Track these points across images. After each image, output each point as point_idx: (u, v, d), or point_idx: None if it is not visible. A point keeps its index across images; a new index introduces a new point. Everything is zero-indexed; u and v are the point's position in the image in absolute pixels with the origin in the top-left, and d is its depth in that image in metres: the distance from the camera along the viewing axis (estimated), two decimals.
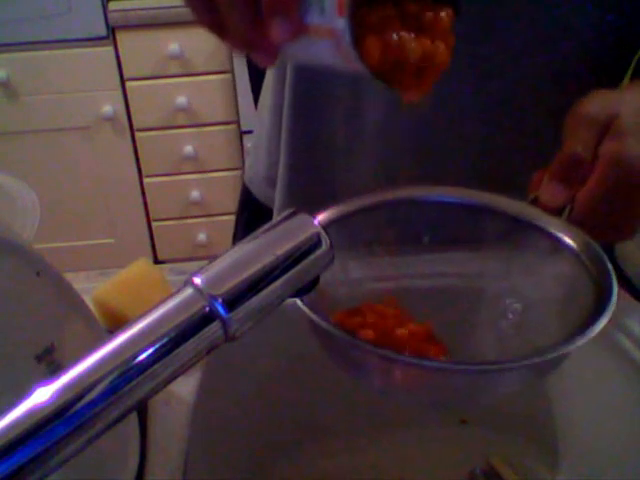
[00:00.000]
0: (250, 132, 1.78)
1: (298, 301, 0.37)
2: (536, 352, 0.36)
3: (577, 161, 0.44)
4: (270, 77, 0.72)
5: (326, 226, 0.42)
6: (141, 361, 0.25)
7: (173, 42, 1.86)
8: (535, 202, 0.45)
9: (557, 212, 0.45)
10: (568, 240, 0.42)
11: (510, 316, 0.45)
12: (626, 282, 0.72)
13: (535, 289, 0.44)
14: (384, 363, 0.39)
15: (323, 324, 0.37)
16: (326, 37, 0.37)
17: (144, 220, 2.09)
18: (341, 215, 0.44)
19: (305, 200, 0.68)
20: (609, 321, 0.53)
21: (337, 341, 0.38)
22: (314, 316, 0.37)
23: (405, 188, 0.47)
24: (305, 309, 0.38)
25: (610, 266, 0.40)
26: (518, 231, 0.45)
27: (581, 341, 0.35)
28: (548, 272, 0.44)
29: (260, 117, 0.75)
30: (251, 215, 0.80)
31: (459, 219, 0.46)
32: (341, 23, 0.36)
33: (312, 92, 0.65)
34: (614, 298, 0.37)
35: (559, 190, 0.44)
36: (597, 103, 0.46)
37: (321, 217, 0.43)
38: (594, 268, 0.40)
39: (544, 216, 0.44)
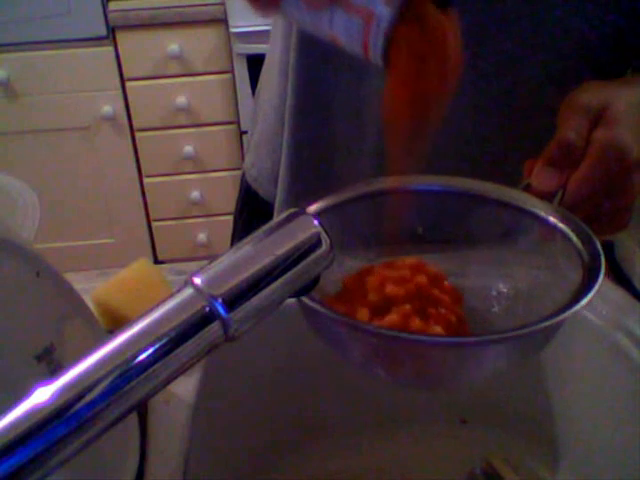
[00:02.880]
0: None
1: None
2: (519, 327, 0.36)
3: (569, 147, 0.44)
4: (269, 76, 0.72)
5: (319, 215, 0.42)
6: (141, 361, 0.25)
7: (173, 42, 1.86)
8: (528, 188, 0.46)
9: (549, 197, 0.45)
10: (559, 223, 0.43)
11: (503, 302, 0.45)
12: (626, 282, 0.72)
13: (528, 274, 0.44)
14: (358, 335, 0.38)
15: (308, 301, 0.37)
16: (355, 16, 0.36)
17: (144, 220, 2.09)
18: (334, 204, 0.44)
19: (306, 199, 0.68)
20: (609, 321, 0.54)
21: (320, 316, 0.38)
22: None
23: (397, 178, 0.47)
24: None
25: (600, 248, 0.40)
26: (510, 217, 0.45)
27: (563, 316, 0.35)
28: (540, 257, 0.44)
29: (263, 115, 0.75)
30: (251, 215, 0.80)
31: (451, 208, 0.46)
32: (385, 12, 0.35)
33: (314, 92, 0.65)
34: (601, 277, 0.38)
35: (551, 175, 0.45)
36: (590, 93, 0.47)
37: (315, 207, 0.43)
38: (585, 250, 0.40)
39: (535, 201, 0.44)
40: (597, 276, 0.38)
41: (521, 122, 0.62)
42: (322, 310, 0.37)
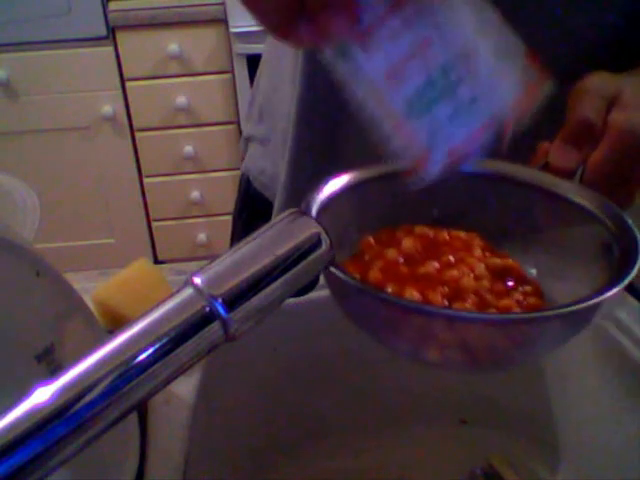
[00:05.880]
0: None
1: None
2: (572, 302, 0.34)
3: (588, 125, 0.45)
4: (279, 84, 0.72)
5: (339, 193, 0.41)
6: (141, 361, 0.25)
7: (173, 42, 1.86)
8: (546, 168, 0.46)
9: (567, 176, 0.45)
10: (585, 202, 0.42)
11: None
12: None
13: (558, 255, 0.43)
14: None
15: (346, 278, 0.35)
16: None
17: (144, 220, 2.09)
18: (354, 183, 0.43)
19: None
20: (609, 321, 0.54)
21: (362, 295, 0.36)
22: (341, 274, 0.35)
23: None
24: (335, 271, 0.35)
25: (630, 222, 0.40)
26: (534, 198, 0.44)
27: (615, 290, 0.34)
28: (568, 236, 0.44)
29: (275, 123, 0.74)
30: (251, 217, 0.80)
31: (468, 189, 0.45)
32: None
33: (317, 101, 0.65)
34: None
35: (570, 152, 0.45)
36: (601, 80, 0.47)
37: (332, 185, 0.42)
38: (614, 226, 0.40)
39: (558, 180, 0.44)
40: (636, 248, 0.37)
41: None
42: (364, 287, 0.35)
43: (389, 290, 0.38)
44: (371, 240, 0.43)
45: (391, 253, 0.41)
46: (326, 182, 0.42)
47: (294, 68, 0.67)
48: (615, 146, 0.44)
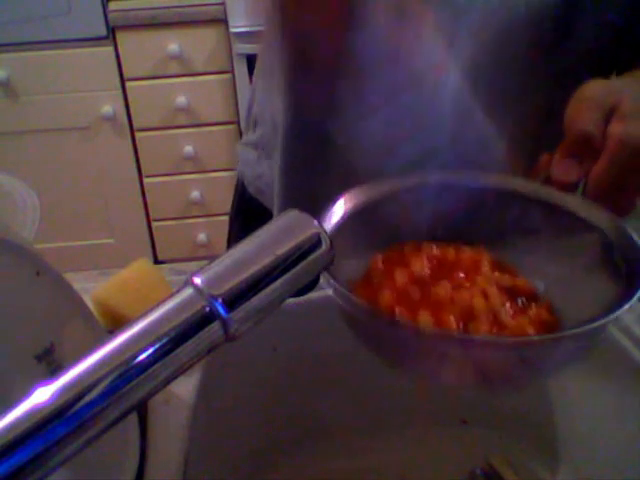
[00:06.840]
0: None
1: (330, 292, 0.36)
2: (580, 323, 0.34)
3: (589, 138, 0.45)
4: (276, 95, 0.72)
5: (346, 217, 0.41)
6: (141, 361, 0.25)
7: (173, 42, 1.86)
8: (547, 181, 0.46)
9: (569, 189, 0.45)
10: (590, 216, 0.42)
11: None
12: None
13: (564, 269, 0.43)
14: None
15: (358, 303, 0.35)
16: None
17: (144, 220, 2.09)
18: (359, 204, 0.43)
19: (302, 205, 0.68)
20: None
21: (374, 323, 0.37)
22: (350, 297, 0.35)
23: (418, 174, 0.45)
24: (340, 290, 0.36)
25: (635, 237, 0.40)
26: (538, 212, 0.44)
27: (621, 311, 0.34)
28: (574, 251, 0.43)
29: (274, 130, 0.74)
30: (247, 220, 0.80)
31: (474, 203, 0.45)
32: None
33: (306, 117, 0.65)
34: None
35: (572, 166, 0.45)
36: (600, 89, 0.47)
37: (339, 208, 0.42)
38: (620, 241, 0.40)
39: (560, 194, 0.44)
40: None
41: (520, 124, 0.62)
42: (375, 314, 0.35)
43: (402, 314, 0.37)
44: (379, 260, 0.42)
45: (401, 275, 0.40)
46: (333, 205, 0.42)
47: (281, 77, 0.67)
48: (615, 158, 0.44)
